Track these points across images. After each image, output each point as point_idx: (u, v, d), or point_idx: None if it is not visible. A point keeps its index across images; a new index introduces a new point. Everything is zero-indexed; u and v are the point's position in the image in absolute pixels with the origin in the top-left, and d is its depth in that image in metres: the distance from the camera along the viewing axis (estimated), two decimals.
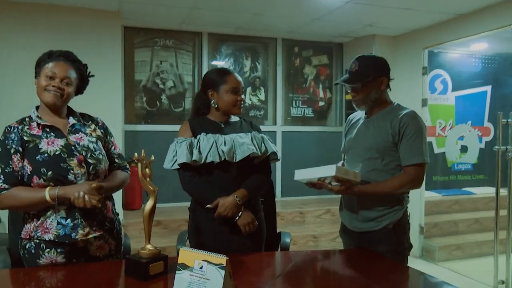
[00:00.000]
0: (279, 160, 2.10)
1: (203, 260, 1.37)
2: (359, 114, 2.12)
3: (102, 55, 3.72)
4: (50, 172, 1.61)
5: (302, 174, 1.87)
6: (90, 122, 1.85)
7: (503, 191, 5.61)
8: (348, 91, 2.03)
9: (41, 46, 3.59)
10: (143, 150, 1.62)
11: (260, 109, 5.22)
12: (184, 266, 1.40)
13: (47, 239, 1.63)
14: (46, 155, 1.63)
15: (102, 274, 1.62)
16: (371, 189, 1.86)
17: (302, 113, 5.37)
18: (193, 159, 1.88)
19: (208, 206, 1.88)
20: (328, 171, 1.74)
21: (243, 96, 2.06)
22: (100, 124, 1.88)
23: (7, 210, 2.01)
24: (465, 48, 5.69)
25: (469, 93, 6.13)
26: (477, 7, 3.81)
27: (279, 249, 2.18)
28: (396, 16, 4.07)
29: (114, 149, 1.89)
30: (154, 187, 1.61)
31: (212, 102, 2.01)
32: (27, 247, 1.67)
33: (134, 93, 4.61)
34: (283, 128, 5.24)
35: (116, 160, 1.88)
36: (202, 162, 1.89)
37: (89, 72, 1.85)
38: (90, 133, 1.80)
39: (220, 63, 5.03)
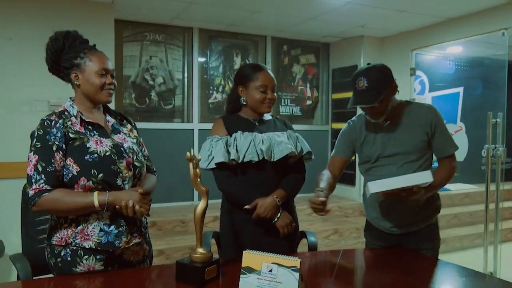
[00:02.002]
0: (312, 159, 2.08)
1: (273, 263, 1.33)
2: (365, 120, 1.97)
3: None
4: (101, 174, 1.49)
5: (381, 186, 1.68)
6: (124, 121, 1.75)
7: (474, 187, 6.01)
8: (357, 107, 1.88)
9: (29, 37, 3.39)
10: (191, 149, 1.55)
11: None
12: (250, 270, 1.35)
13: (87, 246, 1.50)
14: (96, 155, 1.50)
15: (153, 280, 1.54)
16: (431, 190, 1.79)
17: (291, 112, 5.38)
18: (231, 157, 1.82)
19: (246, 207, 1.82)
20: (424, 178, 1.64)
21: (275, 94, 2.01)
22: (133, 124, 1.78)
23: (19, 211, 1.86)
24: (441, 51, 5.95)
25: (443, 94, 6.42)
26: (467, 12, 3.98)
27: (300, 249, 2.15)
28: (389, 17, 4.17)
29: (144, 150, 1.80)
30: (206, 187, 1.54)
31: (241, 98, 1.95)
32: (62, 254, 1.52)
33: (122, 89, 4.42)
34: None
35: (147, 163, 1.78)
36: (240, 161, 1.82)
37: None
38: (129, 134, 1.70)
39: (202, 59, 4.93)
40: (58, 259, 1.53)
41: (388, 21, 4.34)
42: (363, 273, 1.75)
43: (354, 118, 2.06)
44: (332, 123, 5.55)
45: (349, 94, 5.83)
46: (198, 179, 1.53)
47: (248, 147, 1.83)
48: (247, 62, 5.10)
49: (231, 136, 1.89)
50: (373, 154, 1.94)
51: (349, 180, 5.21)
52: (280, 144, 1.88)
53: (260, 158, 1.83)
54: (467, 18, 4.06)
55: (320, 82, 5.62)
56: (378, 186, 1.68)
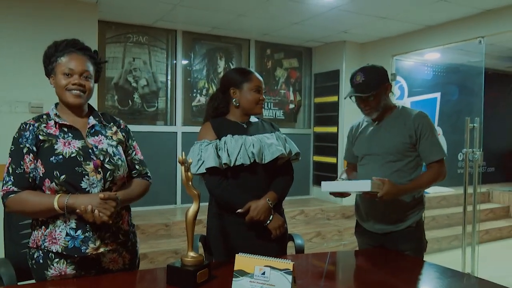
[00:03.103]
0: (299, 160, 2.10)
1: (266, 266, 1.34)
2: (362, 122, 2.15)
3: None
4: (63, 176, 1.47)
5: (331, 187, 1.88)
6: (111, 123, 1.71)
7: (450, 190, 6.18)
8: (354, 102, 2.03)
9: (10, 37, 3.31)
10: (183, 153, 1.55)
11: None
12: (242, 273, 1.36)
13: (54, 250, 1.48)
14: (61, 157, 1.49)
15: (143, 285, 1.52)
16: (407, 189, 1.90)
17: (274, 115, 5.42)
18: (223, 162, 1.82)
19: (239, 211, 1.82)
20: (363, 186, 1.76)
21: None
22: (122, 127, 1.74)
23: (2, 215, 1.82)
24: (419, 57, 6.12)
25: (421, 99, 6.60)
26: (445, 20, 4.11)
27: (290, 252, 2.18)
28: (371, 24, 4.27)
29: (135, 154, 1.76)
30: (198, 191, 1.54)
31: (234, 100, 1.96)
32: (35, 256, 1.51)
33: (104, 91, 4.36)
34: None
35: (137, 167, 1.74)
36: (232, 165, 1.83)
37: (101, 58, 1.70)
38: (111, 136, 1.66)
39: (185, 62, 4.91)
40: (33, 261, 1.53)
41: (370, 27, 4.43)
42: (352, 275, 1.78)
43: (355, 121, 2.22)
44: (314, 126, 5.61)
45: (331, 98, 5.89)
46: (190, 182, 1.53)
47: (239, 151, 1.83)
48: (231, 65, 5.11)
49: (220, 139, 1.88)
50: (360, 152, 2.09)
51: None
52: (270, 146, 1.89)
53: (252, 161, 1.84)
54: (445, 26, 4.20)
55: (302, 86, 5.69)
56: (328, 186, 1.87)
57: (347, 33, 4.68)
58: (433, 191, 6.16)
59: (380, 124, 2.02)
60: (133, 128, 4.44)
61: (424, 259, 2.01)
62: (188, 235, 1.52)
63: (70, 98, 1.55)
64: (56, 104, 1.63)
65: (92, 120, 1.63)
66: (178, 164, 4.76)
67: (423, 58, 6.18)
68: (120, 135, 1.70)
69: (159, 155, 4.58)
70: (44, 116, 1.58)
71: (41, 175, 1.48)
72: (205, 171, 1.83)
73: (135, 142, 1.78)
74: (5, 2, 3.36)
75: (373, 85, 1.92)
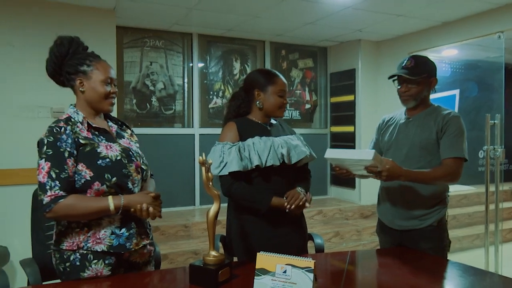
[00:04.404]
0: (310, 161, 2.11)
1: (287, 264, 1.36)
2: (395, 115, 2.16)
3: None
4: (114, 178, 1.53)
5: (334, 154, 1.83)
6: (124, 126, 1.79)
7: (471, 188, 6.05)
8: (397, 87, 2.02)
9: (31, 43, 3.41)
10: (203, 154, 1.57)
11: None
12: (264, 271, 1.38)
13: (98, 250, 1.52)
14: (108, 160, 1.54)
15: (166, 284, 1.55)
16: (414, 174, 1.84)
17: (290, 116, 5.42)
18: (255, 164, 1.83)
19: (286, 205, 1.83)
20: (365, 155, 1.70)
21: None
22: (131, 130, 1.83)
23: (23, 217, 1.88)
24: (437, 54, 6.02)
25: (440, 96, 6.49)
26: (463, 15, 4.04)
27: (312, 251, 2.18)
28: (387, 22, 4.23)
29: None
30: (218, 191, 1.57)
31: (257, 102, 1.97)
32: (71, 259, 1.54)
33: (123, 95, 4.44)
34: None
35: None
36: (263, 166, 1.85)
37: None
38: (130, 139, 1.75)
39: (201, 65, 4.96)
40: (67, 264, 1.54)
41: (385, 25, 4.39)
42: (373, 274, 1.78)
43: (388, 114, 2.22)
44: (331, 126, 5.59)
45: (348, 98, 5.83)
46: (210, 183, 1.56)
47: (269, 152, 1.86)
48: (247, 67, 5.14)
49: (243, 140, 1.89)
50: (385, 144, 2.09)
51: (349, 183, 5.25)
52: (296, 147, 1.93)
53: (280, 162, 1.87)
54: (463, 21, 4.13)
55: (318, 86, 5.67)
56: (331, 153, 1.83)
57: (362, 31, 4.65)
58: (453, 190, 6.03)
59: (411, 118, 2.03)
60: (151, 130, 4.56)
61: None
62: (209, 235, 1.55)
63: (107, 106, 1.63)
64: (73, 106, 1.63)
65: (112, 124, 1.71)
66: (197, 166, 4.82)
67: (440, 55, 6.08)
68: (135, 137, 1.80)
69: (178, 157, 4.64)
70: (72, 119, 1.58)
71: (88, 178, 1.50)
72: (227, 173, 1.84)
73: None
74: (24, 9, 3.45)
75: (421, 72, 1.93)
